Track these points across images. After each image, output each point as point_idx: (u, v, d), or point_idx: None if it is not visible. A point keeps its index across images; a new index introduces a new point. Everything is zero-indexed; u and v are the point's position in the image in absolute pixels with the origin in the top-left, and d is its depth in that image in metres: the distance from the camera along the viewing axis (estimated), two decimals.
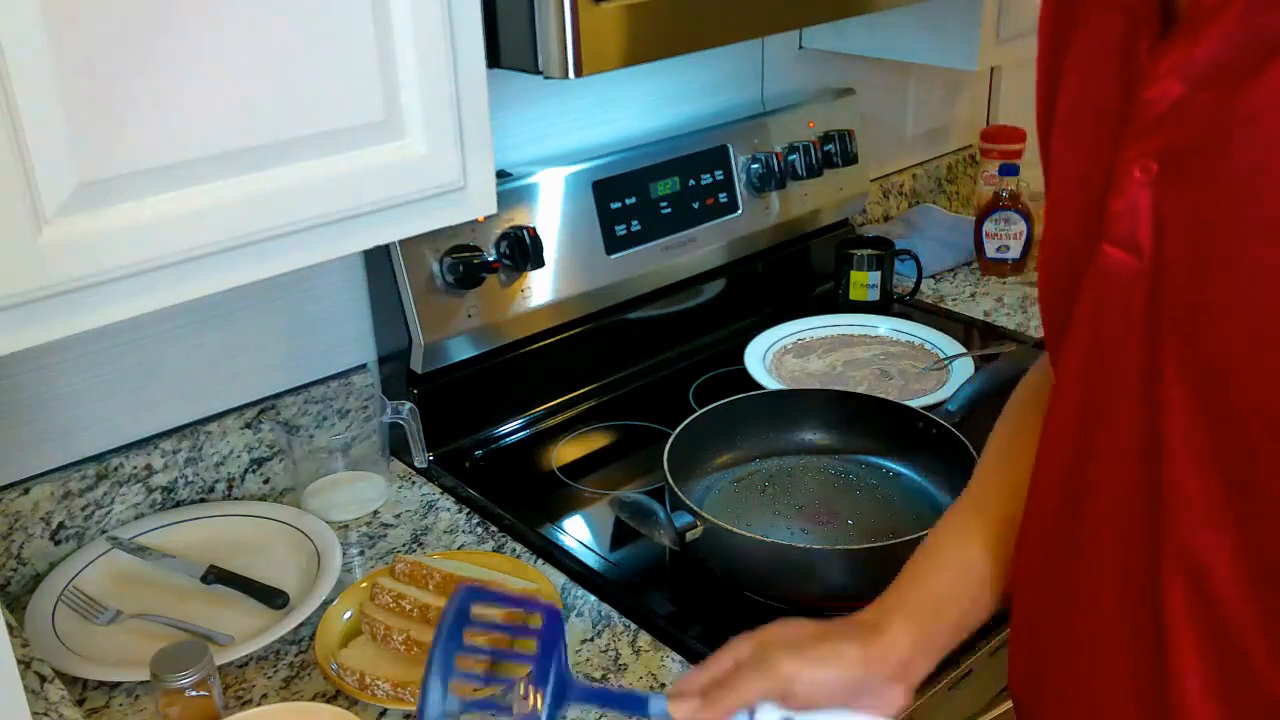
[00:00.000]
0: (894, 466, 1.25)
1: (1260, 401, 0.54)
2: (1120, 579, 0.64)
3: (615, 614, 1.08)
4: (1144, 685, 0.64)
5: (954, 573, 0.81)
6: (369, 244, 0.87)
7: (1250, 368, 0.54)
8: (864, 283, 1.68)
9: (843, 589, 1.06)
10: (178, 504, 1.24)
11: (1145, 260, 0.57)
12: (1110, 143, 0.59)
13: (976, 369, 1.47)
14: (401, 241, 1.23)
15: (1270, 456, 0.54)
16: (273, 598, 1.08)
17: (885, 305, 1.69)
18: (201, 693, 0.91)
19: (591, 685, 0.75)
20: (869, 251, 1.68)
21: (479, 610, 0.72)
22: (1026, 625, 0.77)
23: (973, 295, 1.78)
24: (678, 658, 1.02)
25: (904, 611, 0.78)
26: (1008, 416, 0.87)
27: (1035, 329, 1.65)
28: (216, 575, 1.12)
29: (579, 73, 0.93)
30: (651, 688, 0.99)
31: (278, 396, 1.29)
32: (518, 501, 1.26)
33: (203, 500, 1.25)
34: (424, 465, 1.32)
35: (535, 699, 0.71)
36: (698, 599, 1.11)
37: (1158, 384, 0.58)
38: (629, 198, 1.44)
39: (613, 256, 1.43)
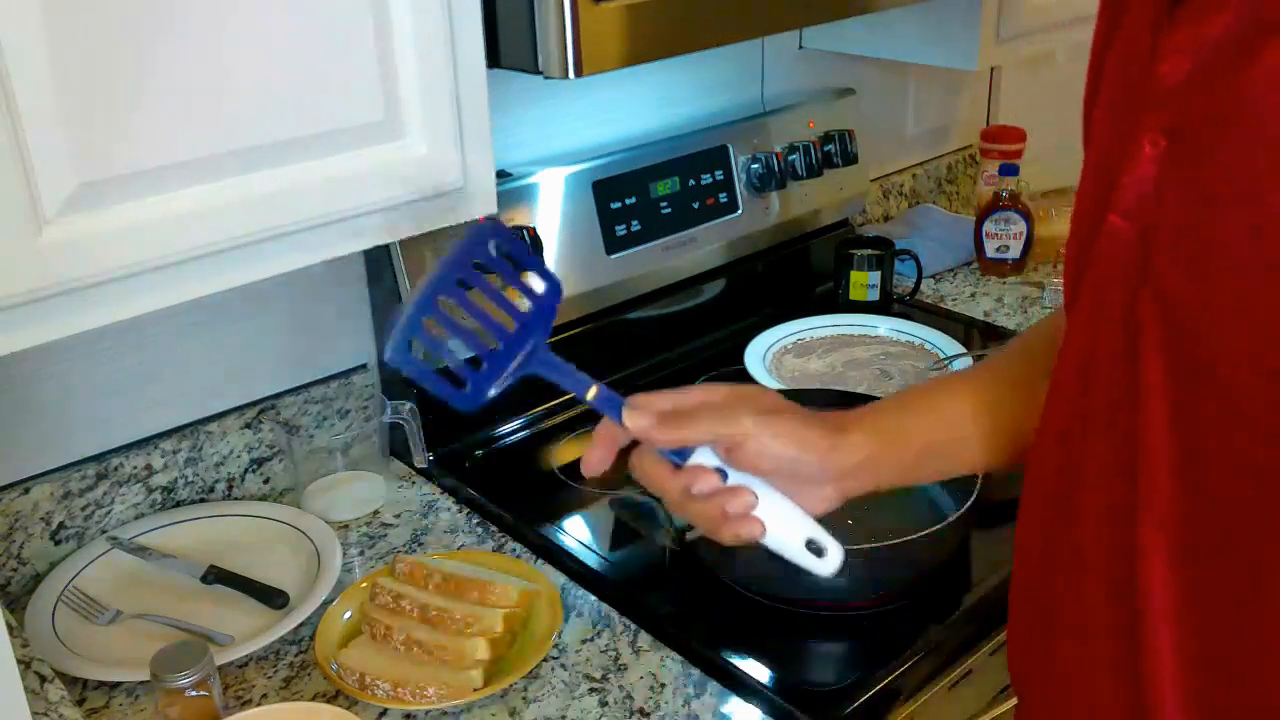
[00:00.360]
0: None
1: (1225, 358, 0.55)
2: (1105, 555, 0.65)
3: (615, 614, 1.08)
4: (1122, 676, 0.65)
5: (936, 415, 0.81)
6: (369, 244, 0.88)
7: (1219, 331, 0.55)
8: (864, 283, 1.68)
9: (843, 589, 1.07)
10: (178, 504, 1.24)
11: (1139, 228, 0.59)
12: (1132, 119, 0.60)
13: None
14: (401, 241, 1.23)
15: (1228, 421, 0.56)
16: (273, 598, 1.08)
17: (885, 305, 1.69)
18: (201, 693, 0.91)
19: (559, 360, 0.75)
20: (869, 251, 1.68)
21: (493, 247, 0.72)
22: (1021, 599, 0.77)
23: (973, 295, 1.78)
24: (678, 658, 1.02)
25: (872, 426, 0.79)
26: (1030, 333, 0.88)
27: None
28: (216, 575, 1.12)
29: (579, 73, 0.93)
30: (652, 688, 0.99)
31: (278, 396, 1.29)
32: (518, 501, 1.26)
33: (203, 500, 1.25)
34: (424, 465, 1.32)
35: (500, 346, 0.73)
36: (698, 599, 1.11)
37: (1137, 344, 0.59)
38: (629, 198, 1.44)
39: (613, 256, 1.43)
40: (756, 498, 0.74)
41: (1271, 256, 0.51)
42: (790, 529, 0.76)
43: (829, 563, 0.76)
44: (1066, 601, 0.69)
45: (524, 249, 0.74)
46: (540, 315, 0.74)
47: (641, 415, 0.74)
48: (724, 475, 0.74)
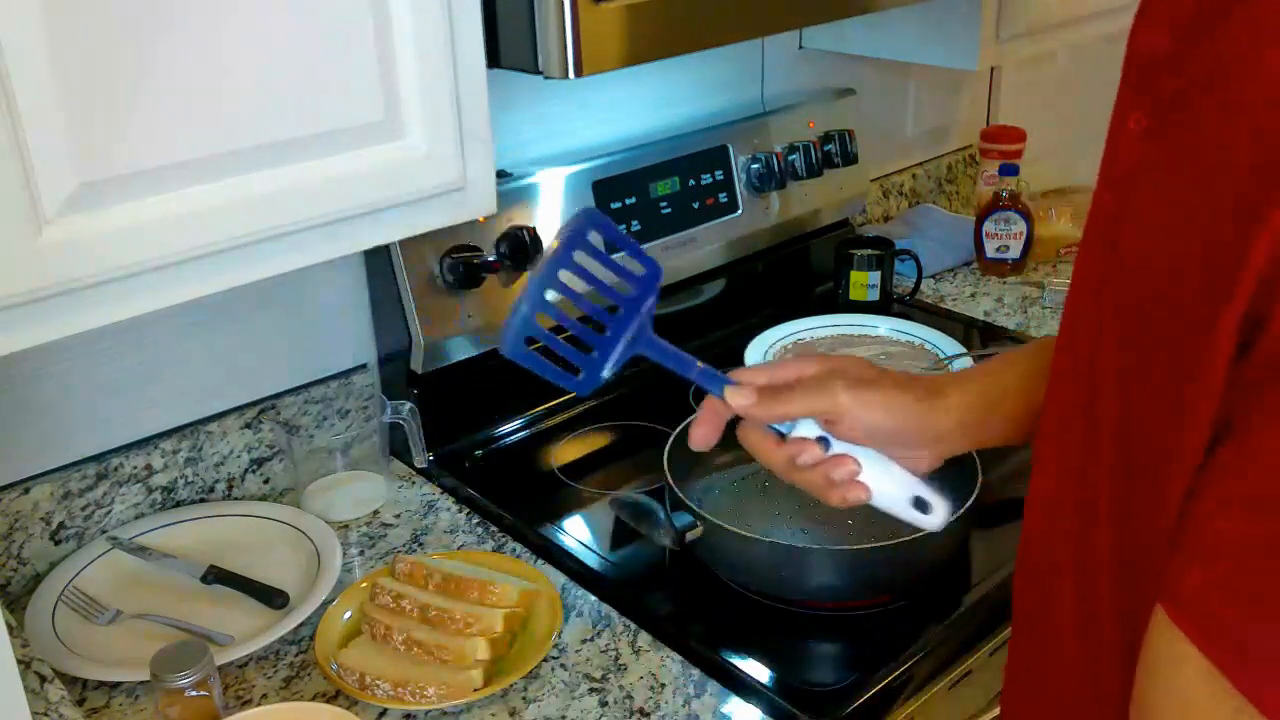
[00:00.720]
0: None
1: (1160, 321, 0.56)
2: (1073, 556, 0.66)
3: (615, 614, 1.08)
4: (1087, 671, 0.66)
5: (1024, 377, 0.81)
6: (369, 244, 0.88)
7: (1152, 294, 0.56)
8: (864, 283, 1.68)
9: (843, 589, 1.07)
10: (178, 504, 1.24)
11: (1119, 200, 0.60)
12: (1122, 95, 0.61)
13: None
14: (401, 241, 1.23)
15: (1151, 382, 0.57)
16: (273, 598, 1.08)
17: (885, 305, 1.69)
18: (201, 693, 0.91)
19: (663, 341, 0.79)
20: (869, 251, 1.68)
21: (593, 237, 0.75)
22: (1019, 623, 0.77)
23: (973, 295, 1.78)
24: (678, 657, 1.02)
25: (966, 388, 0.80)
26: None
27: (1035, 329, 1.65)
28: (216, 575, 1.12)
29: (579, 73, 0.93)
30: (652, 688, 0.99)
31: (278, 396, 1.29)
32: (518, 501, 1.26)
33: (203, 500, 1.25)
34: (424, 465, 1.32)
35: (610, 332, 0.77)
36: (698, 599, 1.11)
37: (1102, 318, 0.61)
38: (629, 198, 1.44)
39: (613, 256, 1.43)
40: (859, 465, 0.78)
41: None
42: (895, 489, 0.80)
43: (935, 518, 0.80)
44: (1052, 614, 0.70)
45: (622, 235, 0.78)
46: (642, 297, 0.77)
47: (743, 393, 0.78)
48: (827, 443, 0.78)
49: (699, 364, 0.79)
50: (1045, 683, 0.72)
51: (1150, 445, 0.58)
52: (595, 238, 0.75)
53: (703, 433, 0.81)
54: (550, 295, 0.73)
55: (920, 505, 0.80)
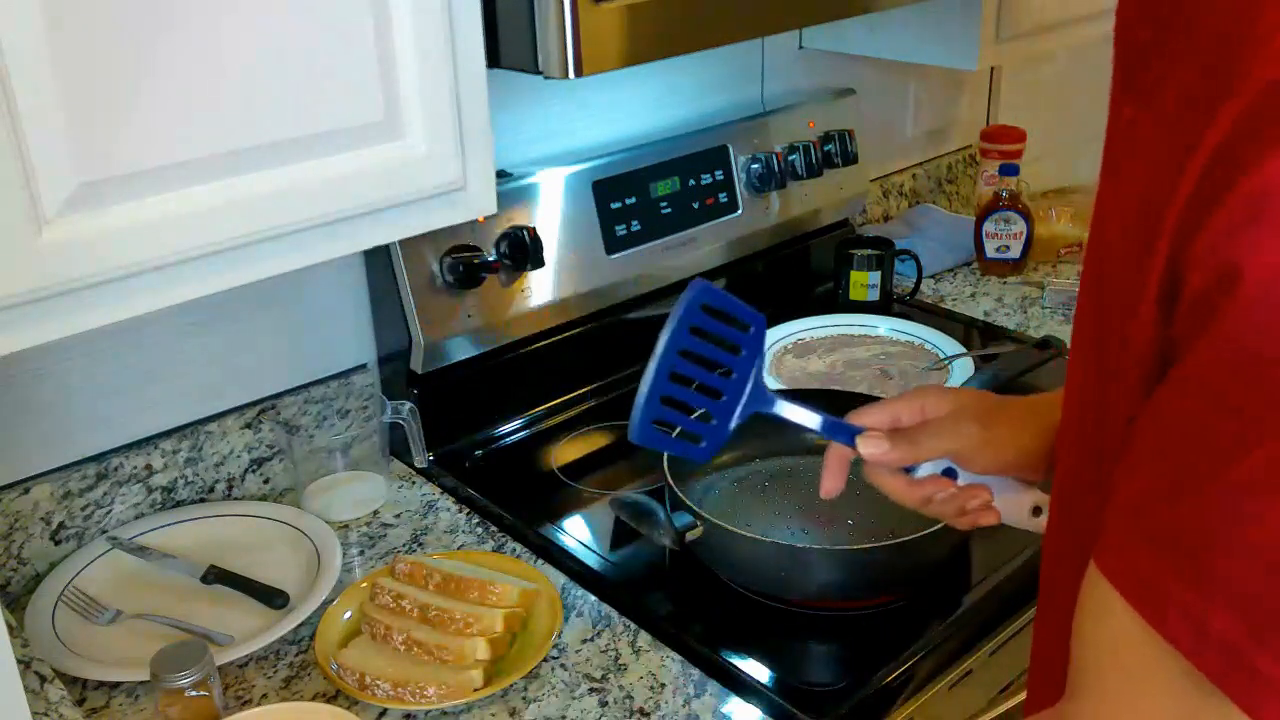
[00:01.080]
0: None
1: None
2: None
3: (615, 614, 1.08)
4: None
5: None
6: (369, 244, 0.87)
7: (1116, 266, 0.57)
8: (864, 283, 1.68)
9: (843, 589, 1.07)
10: (178, 504, 1.24)
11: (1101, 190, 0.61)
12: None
13: (976, 369, 1.47)
14: (401, 241, 1.23)
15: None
16: (273, 598, 1.08)
17: (885, 305, 1.69)
18: (201, 693, 0.91)
19: (780, 398, 0.82)
20: (869, 251, 1.68)
21: (705, 308, 0.78)
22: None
23: (973, 295, 1.78)
24: (678, 657, 1.02)
25: None
26: None
27: (1035, 329, 1.65)
28: (216, 575, 1.12)
29: (579, 73, 0.93)
30: (652, 688, 0.99)
31: (278, 396, 1.29)
32: (518, 501, 1.26)
33: (203, 500, 1.25)
34: (424, 465, 1.32)
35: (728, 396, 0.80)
36: (698, 599, 1.11)
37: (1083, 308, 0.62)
38: (629, 198, 1.44)
39: (613, 256, 1.43)
40: (990, 493, 0.82)
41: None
42: (1018, 505, 0.83)
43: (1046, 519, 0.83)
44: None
45: (729, 299, 0.79)
46: (751, 357, 0.80)
47: (874, 442, 0.81)
48: (954, 473, 0.82)
49: (821, 416, 0.82)
50: (1062, 660, 0.73)
51: (1110, 418, 0.60)
52: (705, 309, 0.77)
53: (833, 484, 0.85)
54: (669, 374, 0.76)
55: (1037, 512, 0.84)
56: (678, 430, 0.80)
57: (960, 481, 0.82)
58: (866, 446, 0.81)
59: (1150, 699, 0.54)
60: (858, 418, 0.83)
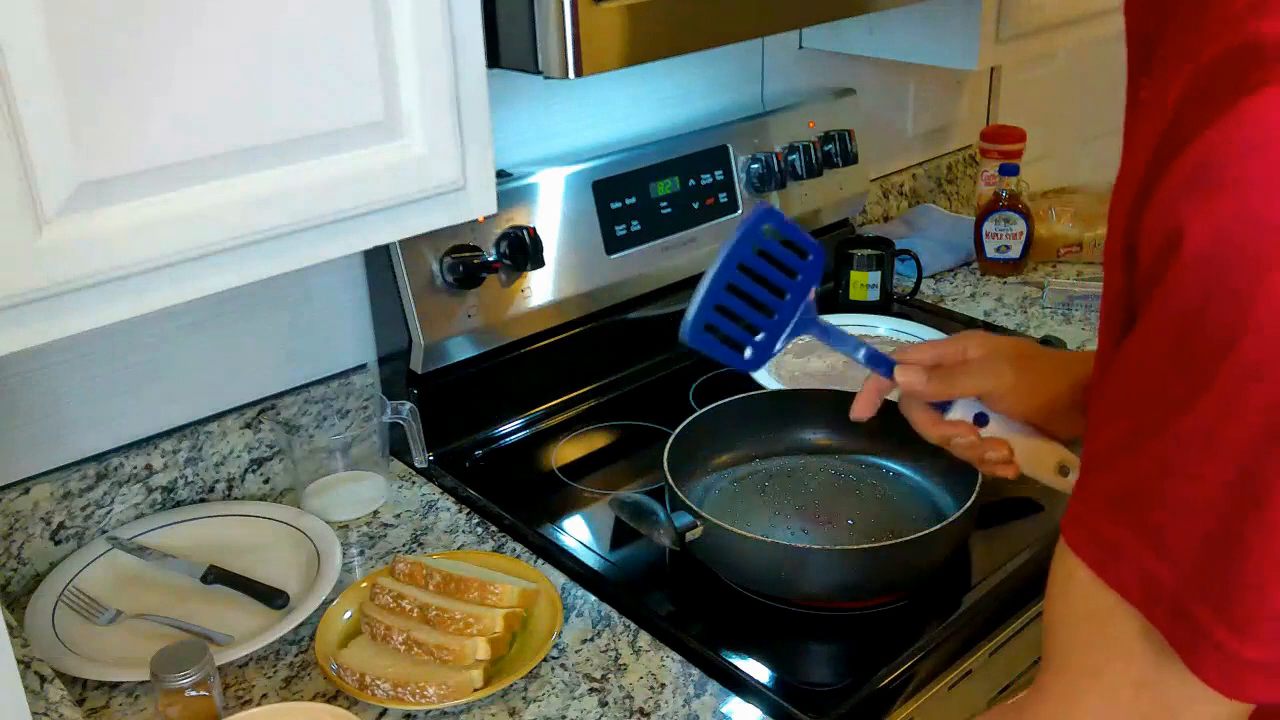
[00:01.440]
0: (894, 466, 1.25)
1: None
2: None
3: (615, 614, 1.08)
4: None
5: None
6: (369, 244, 0.87)
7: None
8: (864, 283, 1.68)
9: (843, 589, 1.07)
10: (178, 504, 1.24)
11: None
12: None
13: None
14: (401, 241, 1.23)
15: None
16: (273, 598, 1.08)
17: (885, 305, 1.69)
18: (201, 693, 0.91)
19: (824, 321, 0.87)
20: (869, 251, 1.68)
21: (765, 229, 0.82)
22: None
23: (973, 295, 1.78)
24: (678, 657, 1.02)
25: None
26: None
27: (1035, 329, 1.65)
28: (216, 575, 1.12)
29: (579, 73, 0.93)
30: (652, 688, 0.99)
31: (278, 396, 1.29)
32: (518, 501, 1.26)
33: (203, 500, 1.25)
34: (424, 465, 1.32)
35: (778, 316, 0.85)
36: (698, 599, 1.11)
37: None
38: (629, 198, 1.44)
39: (613, 256, 1.43)
40: (1011, 451, 0.84)
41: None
42: (1041, 461, 0.86)
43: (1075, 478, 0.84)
44: None
45: (791, 225, 0.84)
46: (807, 281, 0.85)
47: (912, 373, 0.84)
48: (983, 418, 0.85)
49: (864, 346, 0.86)
50: None
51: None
52: (766, 229, 0.82)
53: (863, 406, 0.89)
54: (728, 285, 0.81)
55: (1064, 472, 0.85)
56: (726, 336, 0.85)
57: (987, 432, 0.85)
58: (904, 375, 0.84)
59: (1113, 666, 0.55)
60: (903, 355, 0.86)
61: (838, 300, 1.70)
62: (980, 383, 0.84)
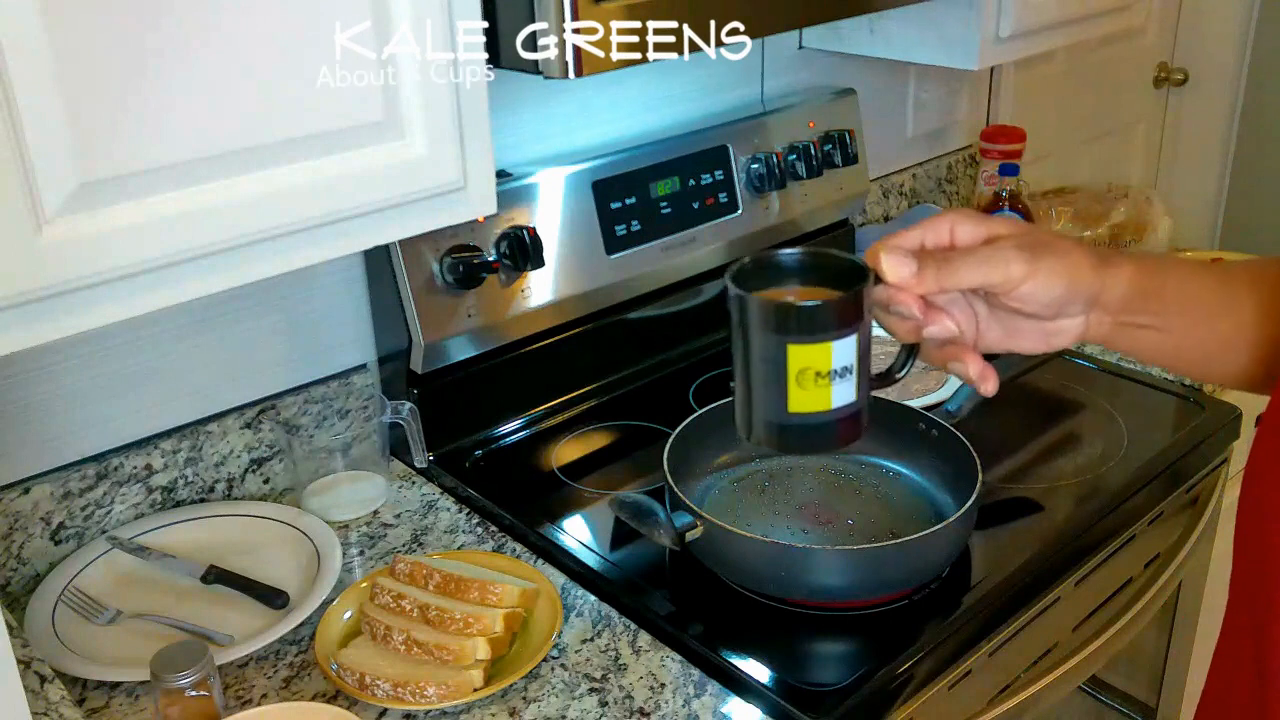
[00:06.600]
0: (894, 466, 1.25)
1: None
2: None
3: (615, 614, 1.08)
4: None
5: (1184, 280, 0.74)
6: (369, 244, 0.87)
7: None
8: None
9: (843, 589, 1.07)
10: (178, 504, 1.24)
11: None
12: None
13: None
14: (401, 241, 1.23)
15: None
16: (273, 598, 1.08)
17: None
18: (201, 693, 0.91)
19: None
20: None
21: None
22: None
23: None
24: (678, 657, 1.02)
25: (1141, 269, 0.72)
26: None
27: None
28: (216, 575, 1.12)
29: (579, 73, 0.93)
30: (652, 688, 0.99)
31: (278, 396, 1.29)
32: (518, 501, 1.26)
33: (203, 500, 1.25)
34: (424, 465, 1.32)
35: None
36: (698, 599, 1.11)
37: None
38: (629, 198, 1.44)
39: (613, 256, 1.43)
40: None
41: None
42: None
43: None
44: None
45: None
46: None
47: (900, 263, 0.66)
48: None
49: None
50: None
51: None
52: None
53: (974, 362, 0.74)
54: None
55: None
56: None
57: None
58: (891, 265, 0.65)
59: None
60: (885, 241, 0.68)
61: None
62: (979, 275, 0.67)
